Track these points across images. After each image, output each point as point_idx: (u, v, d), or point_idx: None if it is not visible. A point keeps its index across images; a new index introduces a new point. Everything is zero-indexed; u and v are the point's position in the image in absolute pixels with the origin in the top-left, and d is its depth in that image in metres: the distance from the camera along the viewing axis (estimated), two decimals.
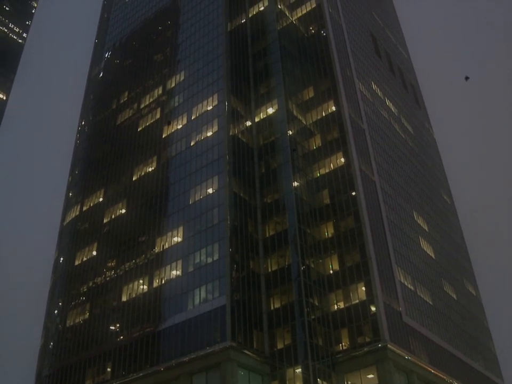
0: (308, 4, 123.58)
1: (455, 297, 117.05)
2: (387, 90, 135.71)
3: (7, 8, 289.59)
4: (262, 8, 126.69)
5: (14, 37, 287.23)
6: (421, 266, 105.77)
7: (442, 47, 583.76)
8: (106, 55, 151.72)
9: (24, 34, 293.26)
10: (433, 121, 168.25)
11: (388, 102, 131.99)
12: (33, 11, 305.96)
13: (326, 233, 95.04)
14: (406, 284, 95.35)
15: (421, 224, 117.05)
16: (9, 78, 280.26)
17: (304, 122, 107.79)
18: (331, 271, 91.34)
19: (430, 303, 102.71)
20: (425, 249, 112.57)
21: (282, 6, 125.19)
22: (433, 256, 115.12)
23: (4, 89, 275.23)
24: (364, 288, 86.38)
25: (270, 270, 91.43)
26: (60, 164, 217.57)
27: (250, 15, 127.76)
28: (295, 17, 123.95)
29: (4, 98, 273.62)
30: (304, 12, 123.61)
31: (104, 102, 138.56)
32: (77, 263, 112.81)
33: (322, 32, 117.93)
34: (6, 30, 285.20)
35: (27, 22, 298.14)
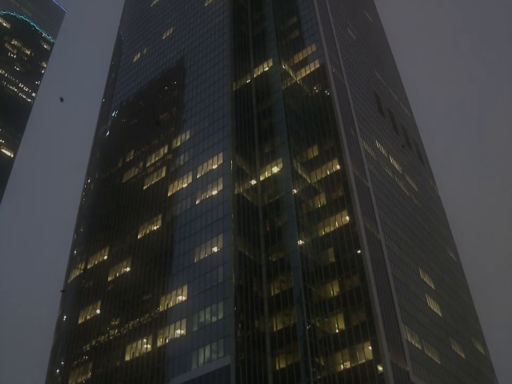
0: (312, 64, 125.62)
1: (463, 356, 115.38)
2: (391, 148, 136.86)
3: (17, 69, 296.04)
4: (266, 69, 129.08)
5: (23, 96, 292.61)
6: (428, 325, 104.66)
7: (444, 105, 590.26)
8: (113, 114, 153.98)
9: (33, 94, 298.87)
10: (437, 178, 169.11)
11: (391, 160, 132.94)
12: (42, 71, 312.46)
13: (332, 292, 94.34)
14: (413, 342, 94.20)
15: (427, 282, 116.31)
16: (17, 136, 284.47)
17: (309, 181, 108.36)
18: (337, 330, 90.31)
19: (438, 362, 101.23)
20: (432, 307, 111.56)
21: (286, 66, 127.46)
22: (440, 314, 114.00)
23: (11, 147, 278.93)
24: (370, 348, 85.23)
25: (275, 329, 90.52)
26: (66, 221, 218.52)
27: (255, 75, 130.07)
28: (299, 77, 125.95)
29: (12, 156, 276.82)
30: (308, 72, 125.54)
31: (110, 160, 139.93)
32: (80, 321, 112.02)
33: (326, 91, 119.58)
34: (15, 90, 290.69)
35: (36, 82, 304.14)
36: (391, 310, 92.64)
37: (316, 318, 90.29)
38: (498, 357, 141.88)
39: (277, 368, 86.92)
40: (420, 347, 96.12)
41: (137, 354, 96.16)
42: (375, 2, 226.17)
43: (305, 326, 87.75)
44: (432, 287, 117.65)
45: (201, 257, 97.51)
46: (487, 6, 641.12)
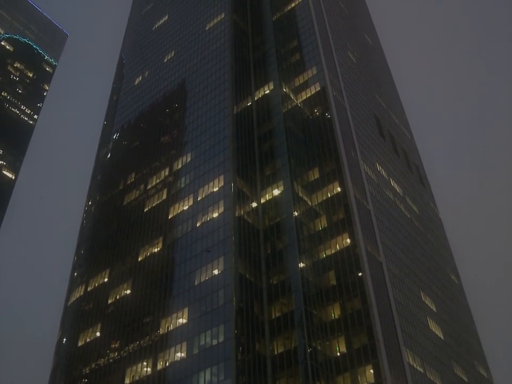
0: (313, 87, 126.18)
1: (466, 379, 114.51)
2: (391, 170, 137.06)
3: (19, 91, 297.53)
4: (267, 92, 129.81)
5: (25, 118, 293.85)
6: (430, 348, 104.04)
7: (445, 127, 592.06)
8: (114, 136, 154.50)
9: (35, 116, 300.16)
10: (437, 201, 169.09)
11: (392, 182, 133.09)
12: (44, 93, 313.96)
13: (333, 315, 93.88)
14: (415, 365, 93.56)
15: (429, 305, 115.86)
16: (19, 158, 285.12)
17: (310, 203, 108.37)
18: (338, 353, 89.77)
19: None
20: (433, 330, 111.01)
21: (287, 89, 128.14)
22: (442, 337, 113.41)
23: (13, 168, 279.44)
24: (372, 371, 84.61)
25: (276, 353, 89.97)
26: (66, 243, 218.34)
27: (256, 98, 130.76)
28: (300, 100, 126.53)
29: (13, 177, 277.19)
30: (308, 94, 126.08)
31: (112, 183, 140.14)
32: (80, 344, 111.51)
33: (326, 114, 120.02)
34: (17, 112, 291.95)
35: (38, 104, 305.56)
36: (393, 332, 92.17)
37: (317, 341, 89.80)
38: (500, 380, 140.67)
39: None
40: (421, 370, 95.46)
41: (137, 378, 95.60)
42: (375, 25, 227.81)
43: (306, 349, 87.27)
44: (434, 309, 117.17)
45: (202, 279, 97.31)
46: (490, 30, 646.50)
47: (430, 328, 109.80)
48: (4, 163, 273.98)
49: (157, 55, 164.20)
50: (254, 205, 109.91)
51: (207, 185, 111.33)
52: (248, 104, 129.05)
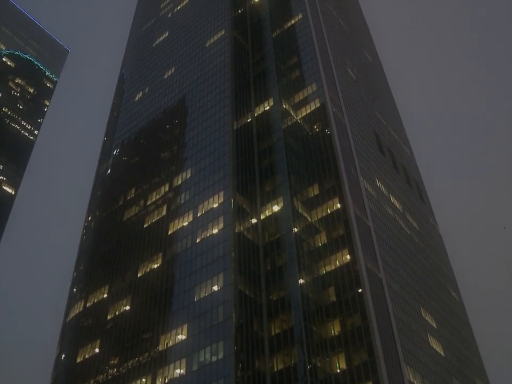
0: (312, 103, 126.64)
1: None
2: (391, 187, 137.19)
3: (20, 107, 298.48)
4: (267, 108, 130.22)
5: (26, 133, 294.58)
6: (430, 364, 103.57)
7: (445, 143, 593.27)
8: (114, 152, 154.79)
9: (36, 131, 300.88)
10: (437, 217, 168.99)
11: (392, 198, 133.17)
12: (45, 109, 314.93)
13: (333, 331, 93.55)
14: (415, 382, 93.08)
15: (429, 321, 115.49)
16: (19, 173, 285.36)
17: (310, 220, 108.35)
18: (338, 370, 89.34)
19: None
20: (434, 346, 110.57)
21: (287, 106, 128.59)
22: (442, 353, 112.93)
23: (13, 184, 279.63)
24: None
25: (275, 369, 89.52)
26: (66, 259, 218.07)
27: (256, 114, 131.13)
28: (300, 116, 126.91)
29: (13, 193, 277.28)
30: (308, 111, 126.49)
31: (111, 198, 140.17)
32: (78, 360, 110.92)
33: (326, 130, 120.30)
34: (18, 127, 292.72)
35: (39, 120, 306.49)
36: (393, 349, 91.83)
37: (317, 358, 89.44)
38: None
39: None
40: None
41: None
42: (374, 42, 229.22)
43: (306, 366, 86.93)
44: (434, 326, 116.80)
45: (202, 296, 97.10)
46: (493, 46, 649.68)
47: (431, 344, 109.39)
48: (4, 178, 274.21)
49: (157, 71, 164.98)
50: (254, 221, 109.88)
51: (207, 201, 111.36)
52: (248, 120, 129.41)
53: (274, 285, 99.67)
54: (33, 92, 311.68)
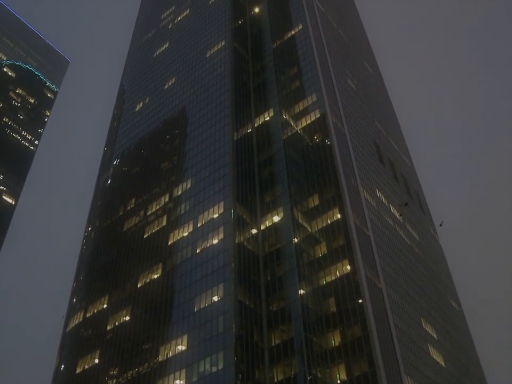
0: (312, 114, 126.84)
1: None
2: (391, 197, 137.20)
3: (21, 117, 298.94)
4: (267, 118, 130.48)
5: (26, 144, 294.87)
6: (431, 375, 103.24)
7: (445, 153, 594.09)
8: (114, 162, 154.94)
9: (36, 142, 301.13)
10: (438, 227, 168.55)
11: (392, 208, 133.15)
12: (46, 119, 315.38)
13: (333, 342, 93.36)
14: None
15: (430, 332, 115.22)
16: (19, 183, 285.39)
17: (310, 230, 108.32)
18: (338, 381, 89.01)
19: None
20: (434, 357, 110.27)
21: (287, 116, 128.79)
22: (443, 364, 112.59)
23: (13, 194, 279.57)
24: None
25: (276, 380, 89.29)
26: (66, 269, 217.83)
27: (256, 125, 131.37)
28: (300, 126, 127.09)
29: (13, 203, 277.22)
30: (308, 121, 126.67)
31: (112, 208, 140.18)
32: (78, 371, 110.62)
33: (326, 141, 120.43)
34: (18, 138, 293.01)
35: (39, 130, 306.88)
36: (393, 360, 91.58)
37: (317, 369, 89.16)
38: None
39: None
40: None
41: None
42: (374, 53, 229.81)
43: (306, 376, 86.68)
44: (435, 336, 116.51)
45: (202, 306, 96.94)
46: (493, 55, 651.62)
47: (431, 355, 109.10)
48: (4, 188, 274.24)
49: (158, 82, 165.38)
50: (254, 231, 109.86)
51: (207, 212, 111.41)
52: (248, 131, 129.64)
53: (274, 296, 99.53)
54: (34, 102, 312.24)
